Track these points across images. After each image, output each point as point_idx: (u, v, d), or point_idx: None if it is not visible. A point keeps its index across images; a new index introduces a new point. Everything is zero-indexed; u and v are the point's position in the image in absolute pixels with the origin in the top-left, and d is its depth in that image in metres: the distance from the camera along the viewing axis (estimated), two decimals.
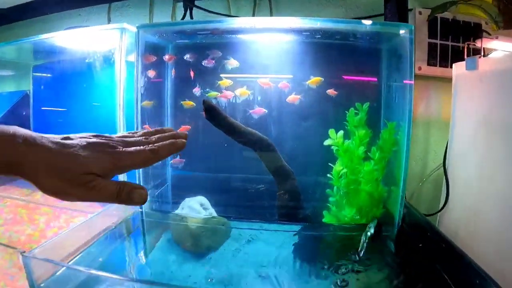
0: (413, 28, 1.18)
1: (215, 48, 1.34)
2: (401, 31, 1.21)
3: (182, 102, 1.32)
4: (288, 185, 1.24)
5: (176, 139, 0.51)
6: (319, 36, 1.29)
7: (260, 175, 1.35)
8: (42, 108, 1.77)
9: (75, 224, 1.10)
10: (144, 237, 1.29)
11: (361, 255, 1.06)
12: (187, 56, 1.33)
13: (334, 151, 1.23)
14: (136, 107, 1.24)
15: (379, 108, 1.34)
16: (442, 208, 1.41)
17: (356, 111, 1.28)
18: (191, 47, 1.40)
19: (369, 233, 1.10)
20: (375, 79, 1.34)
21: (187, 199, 1.39)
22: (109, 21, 1.76)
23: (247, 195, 1.36)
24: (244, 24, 1.24)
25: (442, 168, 1.51)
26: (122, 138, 0.48)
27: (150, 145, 0.47)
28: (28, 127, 1.63)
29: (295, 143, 1.34)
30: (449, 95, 1.63)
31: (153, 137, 0.51)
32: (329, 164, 1.23)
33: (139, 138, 0.50)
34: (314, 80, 1.29)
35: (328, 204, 1.28)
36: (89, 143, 0.44)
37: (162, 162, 1.42)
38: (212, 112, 1.18)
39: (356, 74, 1.33)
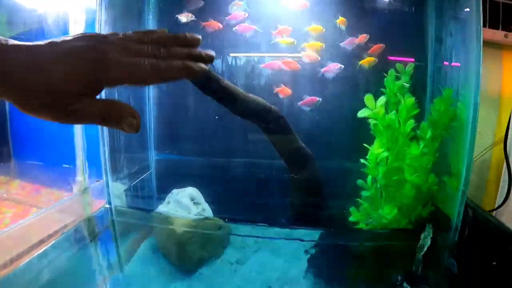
0: None
1: None
2: None
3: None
4: (306, 175, 0.83)
5: (195, 62, 0.32)
6: None
7: (269, 160, 0.94)
8: None
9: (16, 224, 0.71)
10: (116, 243, 0.89)
11: (417, 278, 0.65)
12: None
13: (371, 127, 0.81)
14: None
15: (426, 71, 0.91)
16: (503, 203, 1.00)
17: (398, 74, 0.86)
18: None
19: (425, 246, 0.69)
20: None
21: (174, 191, 1.00)
22: None
23: (250, 188, 0.96)
24: None
25: (488, 154, 1.17)
26: (123, 41, 0.33)
27: (154, 60, 0.32)
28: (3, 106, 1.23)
29: (315, 117, 0.92)
30: (497, 65, 1.21)
31: (165, 50, 0.33)
32: (364, 145, 0.81)
33: (145, 45, 0.33)
34: (367, 60, 0.90)
35: (358, 199, 0.86)
36: (68, 50, 0.30)
37: (143, 144, 1.02)
38: (203, 76, 0.77)
39: (393, 23, 0.90)
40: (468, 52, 0.82)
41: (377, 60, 0.91)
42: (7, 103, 1.11)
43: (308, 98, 0.87)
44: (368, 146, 0.81)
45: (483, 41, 1.18)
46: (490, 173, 1.20)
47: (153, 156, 1.04)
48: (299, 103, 0.90)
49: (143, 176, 1.01)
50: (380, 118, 0.79)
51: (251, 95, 0.81)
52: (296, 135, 0.83)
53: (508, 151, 1.02)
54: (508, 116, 1.04)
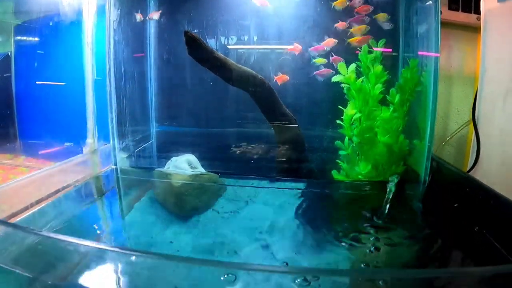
0: None
1: None
2: None
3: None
4: (288, 134, 0.93)
5: None
6: None
7: (257, 122, 1.03)
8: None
9: (24, 176, 0.80)
10: (120, 196, 0.99)
11: (384, 215, 0.75)
12: None
13: (345, 91, 0.91)
14: (108, 45, 0.94)
15: (397, 45, 1.02)
16: (473, 167, 1.09)
17: (370, 49, 0.96)
18: None
19: (392, 189, 0.79)
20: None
21: (173, 158, 1.09)
22: None
23: (242, 148, 1.06)
24: None
25: (467, 127, 1.22)
26: None
27: None
28: (10, 90, 1.33)
29: (296, 85, 1.03)
30: (473, 46, 1.31)
31: None
32: (339, 107, 0.91)
33: None
34: (357, 28, 0.98)
35: (338, 161, 0.96)
36: None
37: (146, 116, 1.12)
38: (194, 44, 0.88)
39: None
40: (429, 23, 0.93)
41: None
42: (13, 85, 1.23)
43: (323, 69, 0.95)
44: (343, 108, 0.91)
45: (458, 24, 1.29)
46: (467, 147, 1.26)
47: (154, 127, 1.14)
48: (314, 73, 0.97)
49: (145, 145, 1.11)
50: (352, 83, 0.89)
51: (240, 65, 0.91)
52: (279, 99, 0.94)
53: (476, 118, 1.11)
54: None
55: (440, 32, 0.90)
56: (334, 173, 0.97)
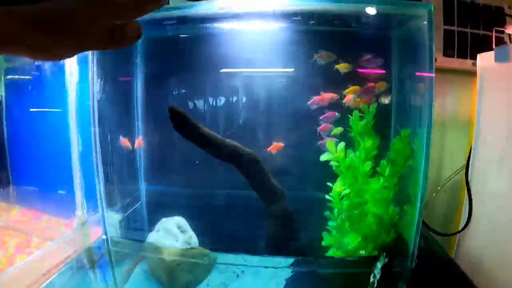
0: (432, 8, 0.83)
1: (191, 38, 1.01)
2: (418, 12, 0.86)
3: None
4: (278, 208, 0.92)
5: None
6: (313, 21, 0.94)
7: (248, 190, 1.02)
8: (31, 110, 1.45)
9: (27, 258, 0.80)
10: (112, 269, 0.99)
11: None
12: None
13: (334, 168, 0.89)
14: (93, 115, 0.92)
15: (389, 111, 0.99)
16: (464, 227, 1.08)
17: (361, 114, 0.94)
18: (163, 39, 1.07)
19: (377, 273, 0.77)
20: (383, 72, 0.98)
21: (163, 220, 1.09)
22: None
23: (232, 217, 1.04)
24: (214, 9, 0.89)
25: (460, 175, 1.23)
26: None
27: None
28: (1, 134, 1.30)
29: (287, 152, 1.01)
30: (467, 91, 1.28)
31: None
32: (328, 183, 0.89)
33: None
34: (351, 89, 0.95)
35: (326, 233, 0.95)
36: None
37: (134, 176, 1.11)
38: (180, 121, 0.86)
39: (359, 69, 0.97)
40: (423, 95, 0.90)
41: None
42: (4, 127, 1.20)
43: (328, 113, 0.93)
44: (331, 184, 0.90)
45: (454, 70, 1.26)
46: (461, 193, 1.24)
47: (143, 187, 1.13)
48: (320, 117, 0.94)
49: (135, 207, 1.10)
50: (341, 161, 0.87)
51: (228, 140, 0.89)
52: (268, 173, 0.92)
53: (469, 177, 1.09)
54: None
55: (434, 101, 0.87)
56: (325, 235, 0.96)
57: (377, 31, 0.97)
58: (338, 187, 0.88)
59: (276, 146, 0.96)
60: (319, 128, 0.92)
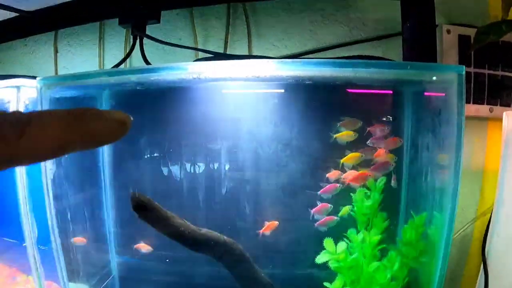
0: (463, 72, 0.65)
1: (164, 95, 0.86)
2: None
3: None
4: None
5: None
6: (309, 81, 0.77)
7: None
8: None
9: None
10: None
11: None
12: None
13: (332, 268, 0.73)
14: (47, 196, 0.77)
15: (399, 187, 0.82)
16: None
17: (367, 191, 0.77)
18: (135, 95, 0.91)
19: None
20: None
21: None
22: (56, 51, 1.28)
23: None
24: (194, 73, 0.72)
25: (471, 226, 1.09)
26: None
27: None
28: None
29: (280, 230, 0.85)
30: (482, 138, 1.11)
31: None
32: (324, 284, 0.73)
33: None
34: (345, 134, 0.79)
35: None
36: None
37: (105, 247, 0.97)
38: (145, 212, 0.70)
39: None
40: (444, 172, 0.73)
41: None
42: None
43: (268, 224, 0.79)
44: (328, 285, 0.74)
45: (467, 117, 1.08)
46: (471, 247, 1.12)
47: (114, 259, 0.99)
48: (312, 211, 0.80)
49: (106, 282, 0.96)
50: (342, 261, 0.71)
51: (205, 231, 0.74)
52: (255, 266, 0.76)
53: (486, 251, 0.93)
54: (492, 189, 0.95)
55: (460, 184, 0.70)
56: None
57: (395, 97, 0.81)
58: (337, 286, 0.73)
59: (269, 226, 0.81)
60: (313, 210, 0.76)
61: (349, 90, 0.81)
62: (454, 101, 0.65)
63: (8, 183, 1.16)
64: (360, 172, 0.79)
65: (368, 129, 0.76)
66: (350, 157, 0.80)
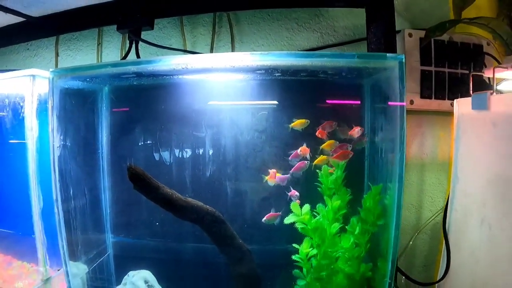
0: (403, 59, 0.80)
1: (160, 89, 0.98)
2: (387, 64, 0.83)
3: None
4: (243, 268, 0.87)
5: None
6: (279, 73, 0.91)
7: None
8: None
9: None
10: None
11: None
12: None
13: (300, 229, 0.85)
14: (53, 171, 0.88)
15: (362, 165, 0.96)
16: (443, 277, 1.04)
17: (331, 167, 0.90)
18: (132, 90, 1.04)
19: None
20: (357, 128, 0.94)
21: (130, 273, 1.04)
22: (57, 55, 1.41)
23: (201, 273, 1.00)
24: (183, 64, 0.86)
25: (440, 216, 1.17)
26: None
27: None
28: None
29: (253, 205, 0.97)
30: (446, 132, 1.25)
31: None
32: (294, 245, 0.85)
33: None
34: (298, 123, 0.92)
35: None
36: None
37: (101, 228, 1.07)
38: (139, 181, 0.82)
39: (328, 120, 0.94)
40: (393, 149, 0.86)
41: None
42: None
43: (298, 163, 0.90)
44: (297, 246, 0.85)
45: (432, 111, 1.23)
46: (442, 236, 1.22)
47: (110, 238, 1.08)
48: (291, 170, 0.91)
49: (101, 259, 1.06)
50: (307, 222, 0.83)
51: (189, 199, 0.85)
52: (233, 230, 0.88)
53: (447, 227, 1.05)
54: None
55: (405, 157, 0.83)
56: None
57: (350, 82, 0.95)
58: (305, 248, 0.84)
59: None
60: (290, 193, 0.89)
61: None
62: (397, 85, 0.79)
63: (3, 179, 1.25)
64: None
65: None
66: (328, 144, 0.93)
